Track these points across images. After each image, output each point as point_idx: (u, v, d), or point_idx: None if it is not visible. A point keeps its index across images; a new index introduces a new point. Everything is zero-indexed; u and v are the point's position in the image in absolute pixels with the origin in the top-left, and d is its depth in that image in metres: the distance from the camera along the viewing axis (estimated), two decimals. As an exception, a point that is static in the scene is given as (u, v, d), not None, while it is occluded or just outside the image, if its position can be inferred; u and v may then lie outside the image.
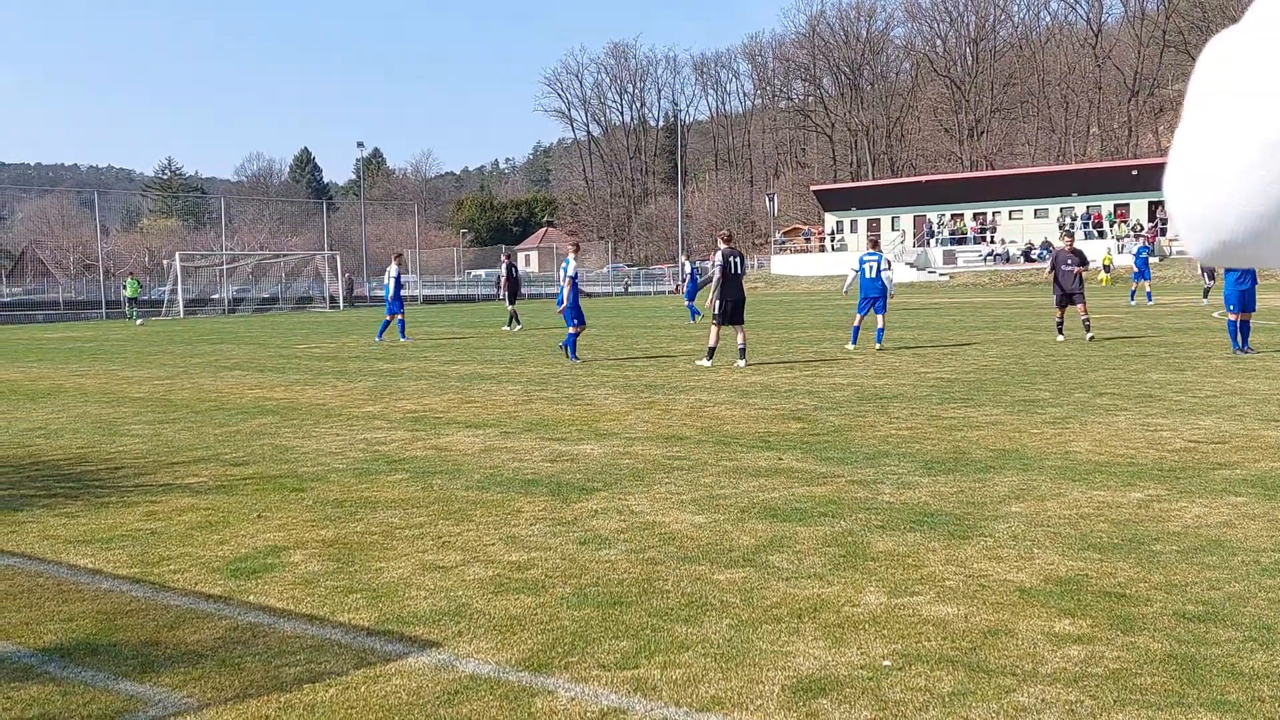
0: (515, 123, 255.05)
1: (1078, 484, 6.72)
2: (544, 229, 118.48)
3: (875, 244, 19.24)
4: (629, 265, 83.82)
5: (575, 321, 16.56)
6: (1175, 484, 6.65)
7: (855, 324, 17.80)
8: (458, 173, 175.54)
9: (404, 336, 23.41)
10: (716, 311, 14.97)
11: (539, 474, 7.48)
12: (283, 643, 4.20)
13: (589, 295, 63.71)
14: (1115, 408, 10.08)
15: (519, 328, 26.30)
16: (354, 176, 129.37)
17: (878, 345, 17.49)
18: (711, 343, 15.19)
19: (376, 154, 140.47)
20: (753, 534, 5.68)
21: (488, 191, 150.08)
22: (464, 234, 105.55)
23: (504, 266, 28.21)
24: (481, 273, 71.48)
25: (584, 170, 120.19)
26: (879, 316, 17.47)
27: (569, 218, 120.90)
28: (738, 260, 14.98)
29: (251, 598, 4.79)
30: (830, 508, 6.23)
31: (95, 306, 45.82)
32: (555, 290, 69.04)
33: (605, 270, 78.18)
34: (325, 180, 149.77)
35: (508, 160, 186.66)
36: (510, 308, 26.82)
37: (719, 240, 15.58)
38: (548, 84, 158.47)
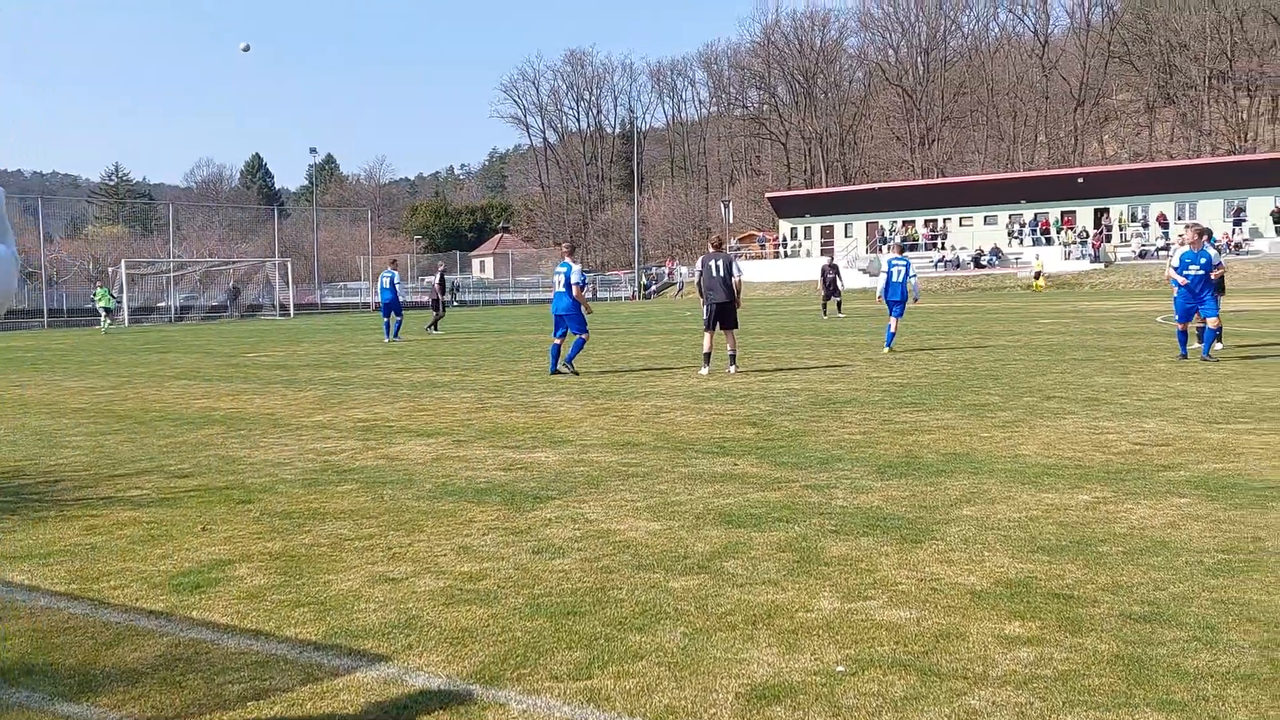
0: (471, 129, 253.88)
1: (1027, 487, 6.79)
2: (499, 235, 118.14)
3: (900, 249, 19.64)
4: (585, 271, 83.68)
5: (576, 330, 15.33)
6: (1121, 486, 6.73)
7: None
8: (412, 179, 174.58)
9: (396, 337, 25.06)
10: (705, 316, 14.89)
11: (492, 483, 7.42)
12: (226, 659, 4.12)
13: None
14: (1063, 411, 10.21)
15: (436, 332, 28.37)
16: (306, 182, 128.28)
17: (887, 348, 17.86)
18: (705, 349, 14.97)
19: (329, 160, 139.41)
20: (708, 541, 5.66)
21: (442, 197, 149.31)
22: (418, 240, 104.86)
23: (439, 276, 30.38)
24: (435, 279, 71.07)
25: (540, 176, 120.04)
26: (893, 320, 18.05)
27: (525, 224, 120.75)
28: (718, 264, 14.90)
29: (195, 613, 4.69)
30: (784, 513, 6.23)
31: (37, 315, 44.89)
32: (516, 298, 68.29)
33: (561, 277, 77.90)
34: (277, 186, 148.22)
35: (463, 166, 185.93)
36: (436, 315, 29.24)
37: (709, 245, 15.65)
38: (504, 91, 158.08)
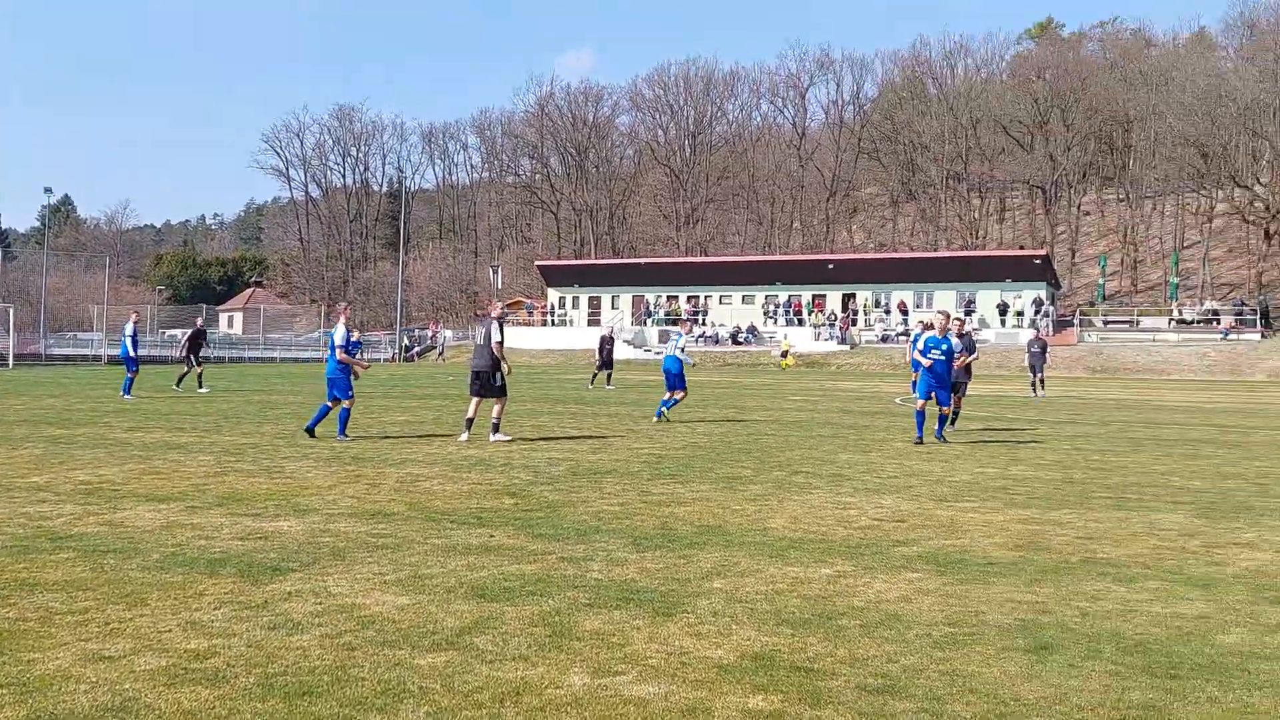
0: (227, 178, 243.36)
1: (774, 560, 7.00)
2: (251, 289, 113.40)
3: (690, 325, 20.55)
4: (357, 335, 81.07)
5: (339, 395, 14.78)
6: (860, 560, 7.05)
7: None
8: (159, 226, 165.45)
9: (127, 394, 22.99)
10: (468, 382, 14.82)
11: (227, 552, 6.95)
12: (-103, 754, 3.61)
13: (300, 361, 61.23)
14: (810, 486, 10.65)
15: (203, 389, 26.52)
16: (38, 224, 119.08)
17: (658, 417, 18.54)
18: (468, 414, 14.80)
19: (66, 201, 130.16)
20: (458, 615, 5.49)
21: (191, 247, 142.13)
22: (161, 291, 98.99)
23: (195, 329, 28.68)
24: (178, 333, 66.92)
25: (300, 231, 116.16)
26: (669, 392, 18.75)
27: (280, 279, 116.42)
28: (481, 330, 14.79)
29: None
30: (539, 586, 6.15)
31: None
32: (266, 355, 65.25)
33: (316, 335, 75.43)
34: (4, 226, 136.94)
35: (216, 216, 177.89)
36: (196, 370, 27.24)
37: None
38: (266, 141, 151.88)
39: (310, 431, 14.59)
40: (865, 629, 5.36)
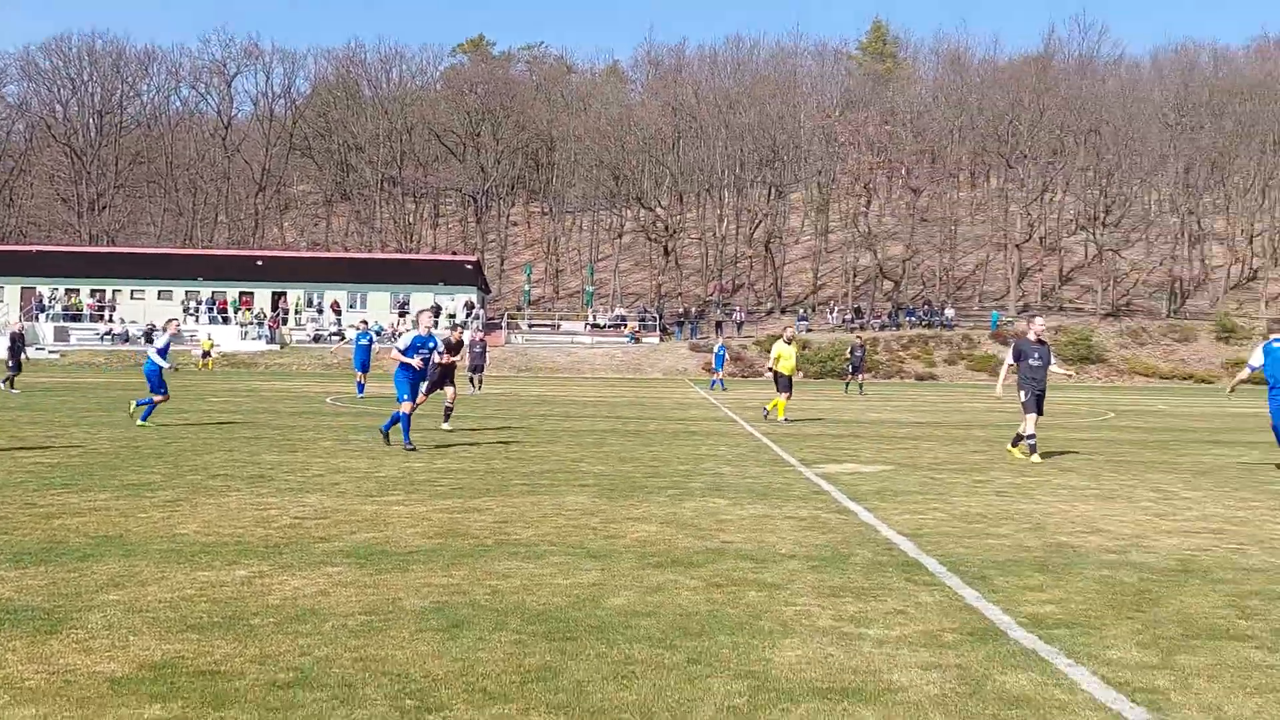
0: None
1: (183, 566, 6.53)
2: None
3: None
4: None
5: None
6: (279, 559, 6.83)
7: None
8: None
9: None
10: None
11: None
12: None
13: None
14: (228, 488, 10.12)
15: None
16: None
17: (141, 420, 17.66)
18: None
19: None
20: None
21: None
22: None
23: None
24: None
25: None
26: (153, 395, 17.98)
27: None
28: None
29: None
30: (-122, 618, 5.14)
31: None
32: None
33: None
34: None
35: None
36: None
37: None
38: None
39: None
40: (278, 625, 5.19)
